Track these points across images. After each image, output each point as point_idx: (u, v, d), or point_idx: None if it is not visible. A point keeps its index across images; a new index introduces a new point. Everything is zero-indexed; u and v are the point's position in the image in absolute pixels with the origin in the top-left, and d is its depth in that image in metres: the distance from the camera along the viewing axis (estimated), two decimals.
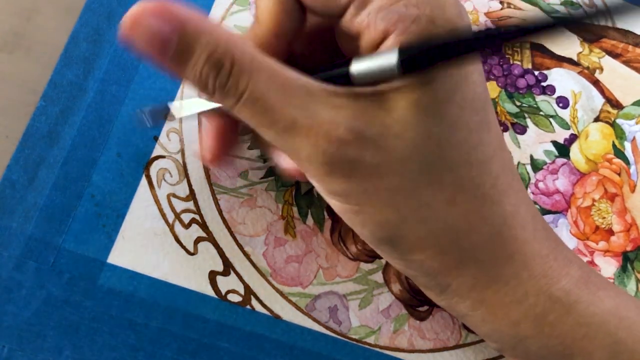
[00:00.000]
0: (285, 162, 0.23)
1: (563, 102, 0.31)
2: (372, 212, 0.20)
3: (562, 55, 0.31)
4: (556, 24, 0.16)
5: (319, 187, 0.21)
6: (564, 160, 0.30)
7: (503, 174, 0.21)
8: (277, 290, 0.26)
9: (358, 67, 0.19)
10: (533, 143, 0.30)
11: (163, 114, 0.25)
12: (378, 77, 0.19)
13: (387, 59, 0.18)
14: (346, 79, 0.19)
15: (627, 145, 0.30)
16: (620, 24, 0.32)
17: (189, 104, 0.23)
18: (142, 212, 0.26)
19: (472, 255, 0.21)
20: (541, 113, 0.30)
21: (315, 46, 0.23)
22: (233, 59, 0.19)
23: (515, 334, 0.22)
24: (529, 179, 0.29)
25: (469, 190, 0.20)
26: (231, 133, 0.24)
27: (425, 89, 0.19)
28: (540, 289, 0.21)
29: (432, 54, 0.18)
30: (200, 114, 0.23)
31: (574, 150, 0.30)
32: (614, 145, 0.30)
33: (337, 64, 0.20)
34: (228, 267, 0.26)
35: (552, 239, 0.22)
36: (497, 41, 0.17)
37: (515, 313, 0.21)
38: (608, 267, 0.29)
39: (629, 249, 0.29)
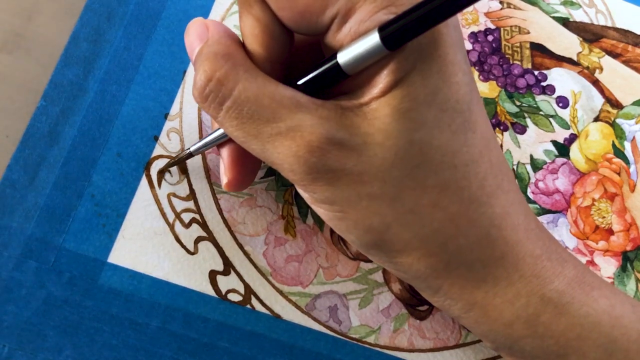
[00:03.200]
0: (221, 178, 0.24)
1: (563, 101, 0.31)
2: (355, 219, 0.21)
3: (562, 55, 0.31)
4: None
5: (305, 196, 0.21)
6: (563, 159, 0.30)
7: (491, 175, 0.21)
8: (277, 290, 0.26)
9: (344, 57, 0.19)
10: (533, 143, 0.30)
11: (184, 159, 0.26)
12: (366, 60, 0.19)
13: (370, 39, 0.18)
14: (338, 73, 0.20)
15: (627, 145, 0.30)
16: (620, 24, 0.32)
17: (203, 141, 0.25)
18: (142, 212, 0.26)
19: (460, 257, 0.21)
20: (541, 113, 0.30)
21: (304, 58, 0.23)
22: (226, 70, 0.20)
23: (510, 335, 0.22)
24: (529, 178, 0.29)
25: (455, 193, 0.20)
26: (248, 160, 0.24)
27: (405, 93, 0.19)
28: (532, 289, 0.21)
29: (412, 24, 0.18)
30: (215, 145, 0.24)
31: (574, 149, 0.30)
32: (613, 145, 0.30)
33: (323, 62, 0.20)
34: (228, 267, 0.26)
35: (545, 239, 0.22)
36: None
37: (508, 314, 0.21)
38: (608, 266, 0.29)
39: (628, 248, 0.29)
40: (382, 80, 0.19)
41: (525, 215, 0.22)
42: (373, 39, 0.18)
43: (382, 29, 0.18)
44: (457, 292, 0.22)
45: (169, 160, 0.27)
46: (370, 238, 0.21)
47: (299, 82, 0.21)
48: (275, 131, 0.20)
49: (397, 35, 0.18)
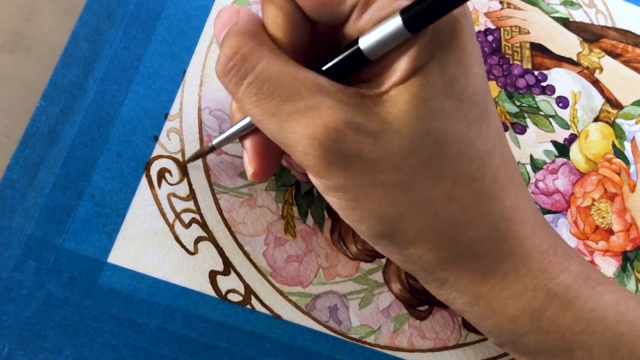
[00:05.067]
0: (246, 165, 0.24)
1: (563, 102, 0.31)
2: (369, 207, 0.20)
3: (562, 55, 0.31)
4: None
5: (317, 183, 0.21)
6: (563, 160, 0.30)
7: (503, 168, 0.21)
8: (277, 290, 0.26)
9: (366, 41, 0.19)
10: (533, 143, 0.30)
11: (206, 152, 0.26)
12: (388, 44, 0.19)
13: (392, 23, 0.19)
14: (359, 59, 0.20)
15: (627, 145, 0.30)
16: (620, 24, 0.32)
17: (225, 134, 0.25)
18: (142, 212, 0.26)
19: (470, 249, 0.21)
20: (541, 113, 0.30)
21: (324, 49, 0.23)
22: (251, 47, 0.20)
23: (514, 330, 0.22)
24: (529, 178, 0.29)
25: (468, 185, 0.20)
26: (271, 150, 0.24)
27: (424, 82, 0.19)
28: (538, 284, 0.21)
29: (433, 7, 0.18)
30: (239, 137, 0.24)
31: (574, 150, 0.30)
32: (613, 145, 0.30)
33: (345, 48, 0.20)
34: (228, 267, 0.26)
35: (551, 235, 0.23)
36: None
37: (513, 308, 0.21)
38: (608, 266, 0.29)
39: (628, 248, 0.29)
40: (401, 68, 0.19)
41: (532, 211, 0.22)
42: (395, 23, 0.18)
43: (404, 12, 0.18)
44: (464, 285, 0.22)
45: (190, 155, 0.27)
46: (382, 228, 0.21)
47: (322, 69, 0.21)
48: (294, 109, 0.19)
49: (419, 17, 0.18)
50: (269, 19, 0.21)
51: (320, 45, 0.23)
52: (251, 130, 0.23)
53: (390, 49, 0.19)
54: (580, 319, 0.21)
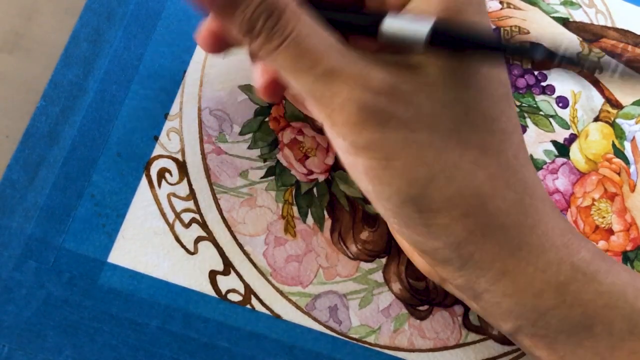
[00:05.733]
0: (256, 80, 0.23)
1: (563, 101, 0.31)
2: (401, 167, 0.20)
3: None
4: (579, 62, 0.18)
5: (347, 141, 0.20)
6: (563, 159, 0.30)
7: (523, 149, 0.22)
8: (277, 290, 0.26)
9: (390, 25, 0.20)
10: (533, 143, 0.30)
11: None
12: (402, 41, 0.20)
13: (420, 27, 0.19)
14: (371, 31, 0.20)
15: (627, 145, 0.30)
16: (620, 24, 0.32)
17: None
18: (142, 212, 0.26)
19: (497, 220, 0.21)
20: (541, 113, 0.30)
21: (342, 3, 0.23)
22: (286, 6, 0.20)
23: (537, 306, 0.21)
24: None
25: (493, 156, 0.21)
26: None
27: (455, 57, 0.20)
28: (562, 258, 0.21)
29: (462, 41, 0.19)
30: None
31: (574, 149, 0.30)
32: (613, 145, 0.30)
33: (370, 15, 0.20)
34: (228, 267, 0.26)
35: (565, 218, 0.23)
36: (521, 54, 0.19)
37: (539, 282, 0.21)
38: None
39: (628, 248, 0.29)
40: None
41: (547, 194, 0.23)
42: (422, 29, 0.19)
43: (435, 31, 0.19)
44: (489, 261, 0.21)
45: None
46: (413, 191, 0.20)
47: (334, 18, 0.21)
48: (330, 67, 0.19)
49: (444, 40, 0.19)
50: None
51: None
52: None
53: (400, 44, 0.20)
54: (602, 292, 0.21)
